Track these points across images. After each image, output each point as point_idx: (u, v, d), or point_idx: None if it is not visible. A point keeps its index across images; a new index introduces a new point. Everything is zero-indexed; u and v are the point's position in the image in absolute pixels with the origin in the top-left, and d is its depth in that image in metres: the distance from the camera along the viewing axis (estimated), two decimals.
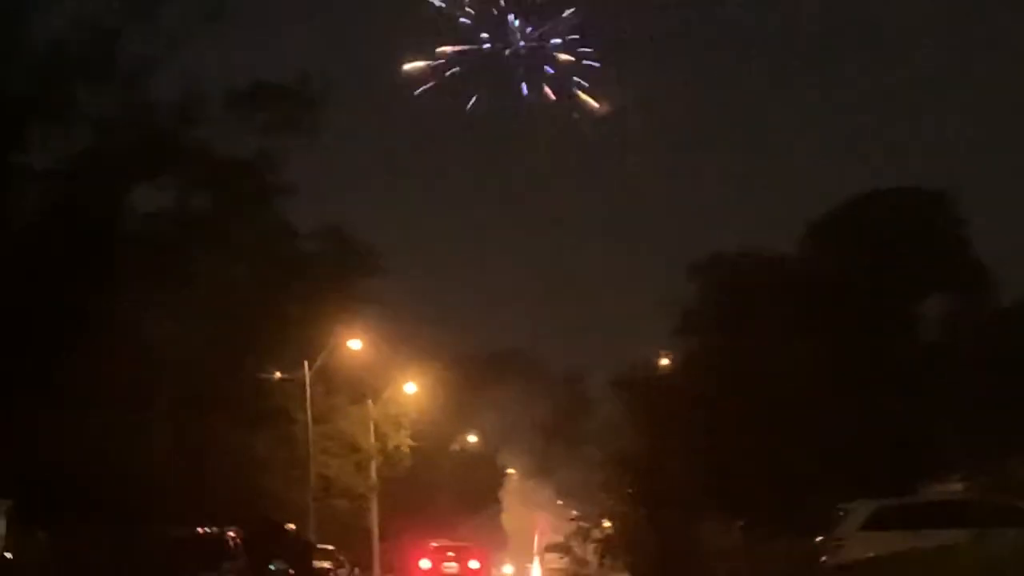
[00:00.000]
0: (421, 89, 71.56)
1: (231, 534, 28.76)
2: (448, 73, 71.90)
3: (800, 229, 36.25)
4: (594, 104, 72.44)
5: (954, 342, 34.35)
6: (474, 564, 45.58)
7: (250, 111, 32.37)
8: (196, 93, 31.27)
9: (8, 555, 31.42)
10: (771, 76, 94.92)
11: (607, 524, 49.32)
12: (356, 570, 46.38)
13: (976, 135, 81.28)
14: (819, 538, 25.58)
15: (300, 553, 31.49)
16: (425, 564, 44.33)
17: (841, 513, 24.61)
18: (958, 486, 28.07)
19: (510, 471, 79.57)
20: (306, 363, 43.39)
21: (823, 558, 24.73)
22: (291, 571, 29.84)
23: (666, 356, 38.69)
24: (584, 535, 57.54)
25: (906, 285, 34.69)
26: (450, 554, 45.04)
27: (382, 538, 54.20)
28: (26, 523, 32.06)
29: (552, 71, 72.61)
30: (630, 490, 34.74)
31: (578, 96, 72.44)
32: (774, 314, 33.81)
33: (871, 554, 21.69)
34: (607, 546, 45.83)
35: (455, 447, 67.20)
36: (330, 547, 38.05)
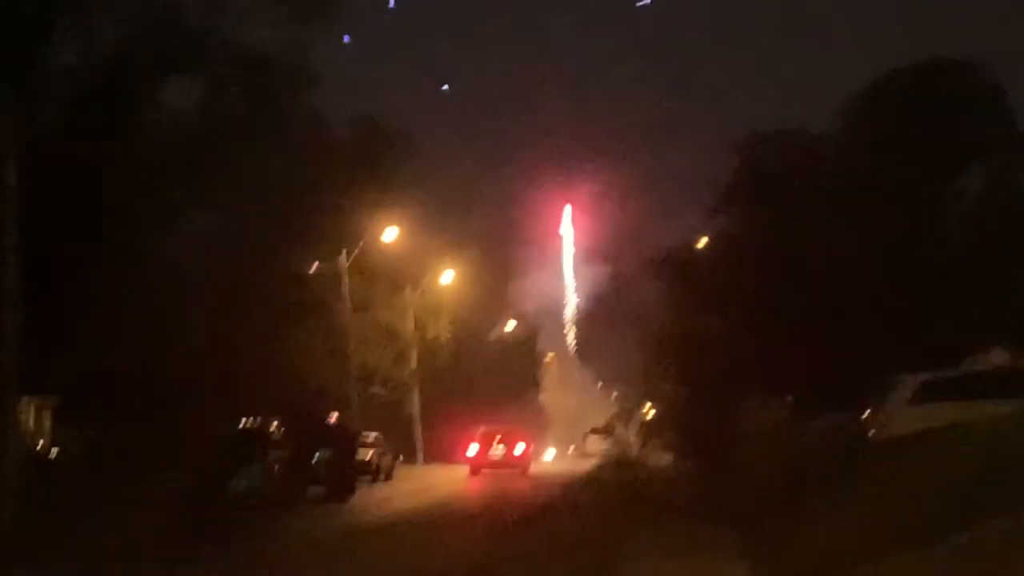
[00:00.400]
0: None
1: (273, 426, 28.85)
2: None
3: (836, 106, 35.66)
4: None
5: (995, 212, 33.83)
6: (519, 448, 45.40)
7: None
8: None
9: (53, 451, 31.95)
10: None
11: (649, 406, 49.28)
12: (400, 457, 46.67)
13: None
14: (866, 412, 25.42)
15: (344, 442, 31.54)
16: (472, 449, 44.22)
17: (889, 387, 24.48)
18: (1004, 357, 27.66)
19: (550, 356, 79.69)
20: (343, 253, 43.23)
21: (870, 431, 24.60)
22: (335, 460, 29.91)
23: (704, 235, 38.26)
24: (626, 417, 57.56)
25: (946, 157, 34.10)
26: (497, 438, 44.63)
27: (424, 426, 54.49)
28: (71, 421, 32.54)
29: None
30: (671, 371, 34.46)
31: None
32: (813, 190, 33.30)
33: (920, 427, 21.33)
34: (650, 428, 45.80)
35: (494, 334, 67.23)
36: (372, 434, 38.11)
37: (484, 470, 43.39)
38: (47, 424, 32.70)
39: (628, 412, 54.43)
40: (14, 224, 25.12)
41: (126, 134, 29.60)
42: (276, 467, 27.45)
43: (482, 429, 45.51)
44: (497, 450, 44.08)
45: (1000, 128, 35.02)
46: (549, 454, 72.80)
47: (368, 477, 35.29)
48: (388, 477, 38.26)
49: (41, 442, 31.93)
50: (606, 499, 27.18)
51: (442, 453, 54.89)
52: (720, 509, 22.21)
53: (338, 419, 34.70)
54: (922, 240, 32.17)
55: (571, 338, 74.99)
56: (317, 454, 29.47)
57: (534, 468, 46.23)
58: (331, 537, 22.38)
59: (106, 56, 30.22)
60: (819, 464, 22.86)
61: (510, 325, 69.77)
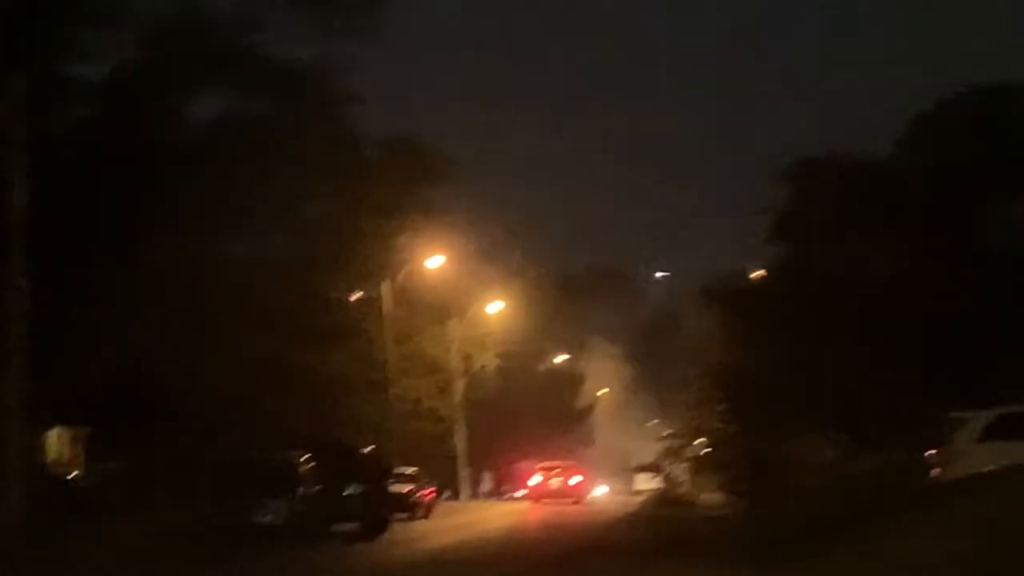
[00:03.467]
0: None
1: (303, 457, 27.62)
2: None
3: (883, 133, 34.29)
4: None
5: None
6: (576, 479, 48.69)
7: (311, 14, 30.72)
8: None
9: (82, 480, 31.04)
10: None
11: (698, 442, 47.95)
12: (445, 493, 45.40)
13: None
14: (931, 451, 23.85)
15: (378, 476, 30.20)
16: (534, 479, 48.65)
17: (954, 424, 22.93)
18: None
19: (601, 391, 78.18)
20: (384, 280, 42.07)
21: (935, 471, 23.03)
22: (367, 495, 28.56)
23: (758, 266, 36.83)
24: (675, 454, 56.25)
25: (999, 185, 32.70)
26: (556, 470, 48.96)
27: (469, 461, 53.17)
28: (102, 451, 31.61)
29: None
30: (722, 406, 33.11)
31: None
32: (869, 220, 31.94)
33: (990, 466, 19.80)
34: (699, 465, 44.60)
35: (543, 367, 65.85)
36: (411, 469, 36.76)
37: (540, 502, 45.61)
38: (80, 454, 31.92)
39: (677, 449, 53.05)
40: (22, 245, 24.42)
41: (156, 148, 28.66)
42: (303, 501, 26.12)
43: (542, 463, 49.08)
44: (555, 482, 47.82)
45: None
46: (600, 490, 71.19)
47: (405, 514, 33.97)
48: (427, 514, 36.88)
49: (75, 472, 31.15)
50: (653, 537, 25.63)
51: (487, 488, 53.63)
52: (772, 548, 20.78)
53: (374, 452, 33.39)
54: (979, 270, 30.71)
55: (623, 372, 73.39)
56: (349, 488, 28.13)
57: (584, 505, 46.32)
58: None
59: (136, 66, 29.44)
60: (878, 502, 21.35)
61: (560, 357, 68.35)
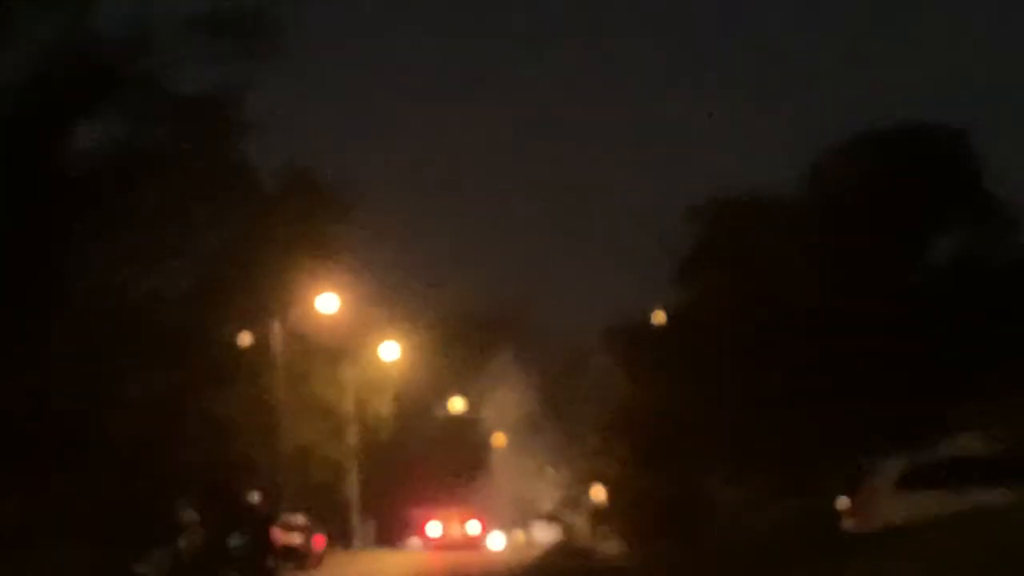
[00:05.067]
0: None
1: (185, 506, 26.35)
2: None
3: (799, 168, 34.01)
4: None
5: (967, 283, 32.20)
6: (474, 526, 47.37)
7: (206, 39, 29.55)
8: (145, 18, 28.59)
9: None
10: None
11: (600, 489, 47.18)
12: (331, 543, 43.91)
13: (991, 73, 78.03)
14: (841, 498, 23.23)
15: (262, 524, 28.86)
16: (432, 527, 47.24)
17: (868, 470, 22.37)
18: (976, 442, 25.75)
19: (498, 437, 77.11)
20: (277, 319, 40.69)
21: (848, 521, 22.38)
22: (252, 544, 27.23)
23: (664, 304, 36.23)
24: (575, 503, 55.45)
25: (917, 224, 32.57)
26: (453, 517, 47.73)
27: (363, 508, 51.73)
28: None
29: None
30: (623, 450, 32.37)
31: None
32: (779, 256, 31.54)
33: (903, 517, 19.20)
34: (600, 514, 43.81)
35: (440, 412, 64.67)
36: (302, 517, 35.34)
37: (437, 551, 44.04)
38: None
39: (577, 496, 52.29)
40: None
41: (40, 176, 27.22)
42: (186, 551, 24.82)
43: (439, 510, 47.64)
44: (453, 529, 46.55)
45: (971, 195, 33.55)
46: (498, 540, 69.99)
47: (294, 564, 32.57)
48: (318, 564, 35.44)
49: None
50: None
51: (381, 537, 52.19)
52: None
53: (262, 499, 31.99)
54: (890, 309, 30.39)
55: (521, 418, 72.53)
56: (234, 537, 26.81)
57: (480, 556, 44.71)
58: None
59: (17, 89, 28.03)
60: (788, 554, 20.56)
61: (457, 403, 67.21)
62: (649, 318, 36.03)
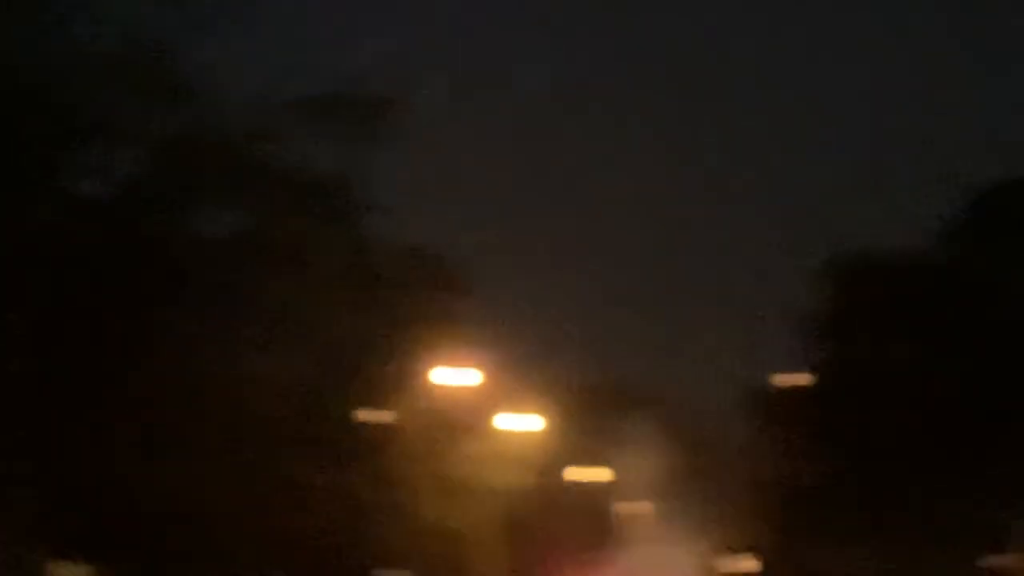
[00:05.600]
0: None
1: None
2: None
3: (927, 223, 32.77)
4: None
5: None
6: None
7: (322, 121, 29.65)
8: (262, 103, 28.80)
9: None
10: None
11: (739, 560, 45.89)
12: None
13: None
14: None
15: None
16: None
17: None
18: None
19: (632, 506, 75.97)
20: (400, 396, 40.38)
21: None
22: None
23: (805, 367, 35.07)
24: (711, 572, 54.14)
25: None
26: None
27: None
28: None
29: None
30: (781, 519, 31.27)
31: None
32: (921, 322, 30.32)
33: None
34: None
35: (571, 483, 63.79)
36: None
37: None
38: None
39: (713, 568, 51.00)
40: None
41: (156, 267, 27.36)
42: None
43: None
44: None
45: None
46: None
47: None
48: None
49: None
50: None
51: None
52: None
53: None
54: None
55: (654, 489, 71.42)
56: None
57: None
58: None
59: (143, 181, 28.35)
60: None
61: (588, 473, 66.29)
62: (781, 381, 35.03)
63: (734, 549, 45.85)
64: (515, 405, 50.56)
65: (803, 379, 35.28)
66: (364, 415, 37.77)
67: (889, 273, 32.02)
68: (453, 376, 43.70)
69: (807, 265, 33.80)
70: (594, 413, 60.15)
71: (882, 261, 32.62)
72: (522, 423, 51.24)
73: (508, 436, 50.71)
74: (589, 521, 63.00)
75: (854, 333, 31.35)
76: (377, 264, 34.53)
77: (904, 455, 27.62)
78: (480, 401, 47.00)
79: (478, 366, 44.97)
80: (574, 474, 64.20)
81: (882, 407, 28.00)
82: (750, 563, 44.25)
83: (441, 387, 43.64)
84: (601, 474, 67.01)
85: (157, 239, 27.78)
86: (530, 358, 52.17)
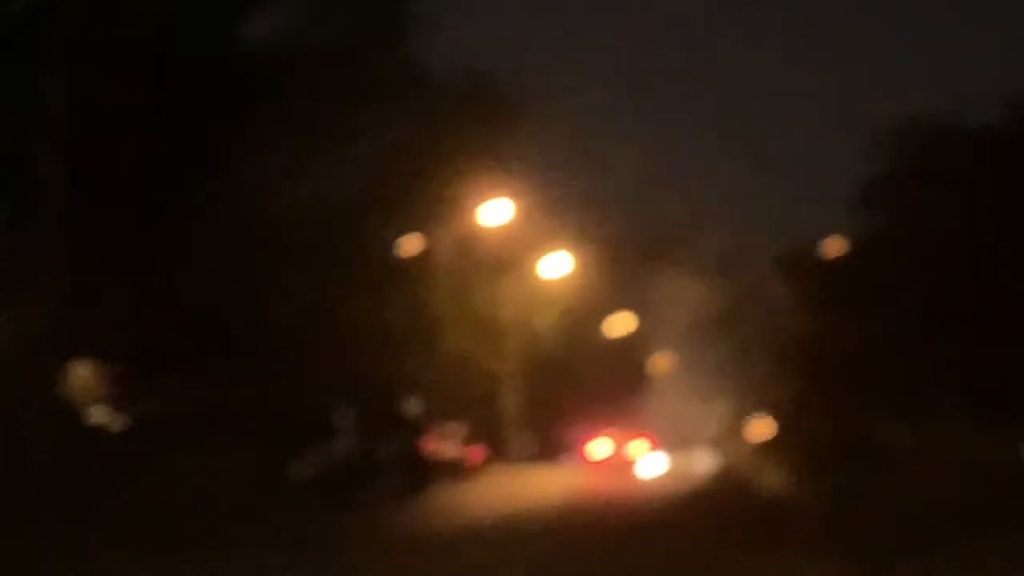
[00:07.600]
0: None
1: (343, 412, 25.91)
2: None
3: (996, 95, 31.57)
4: None
5: None
6: (635, 448, 47.78)
7: None
8: None
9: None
10: None
11: (767, 418, 45.79)
12: (488, 456, 43.50)
13: None
14: None
15: (417, 433, 28.35)
16: (597, 446, 47.14)
17: None
18: None
19: (663, 358, 75.91)
20: (439, 228, 39.84)
21: None
22: (406, 452, 26.74)
23: (845, 232, 34.36)
24: (738, 431, 54.20)
25: None
26: (615, 438, 47.88)
27: (523, 423, 51.21)
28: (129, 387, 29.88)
29: None
30: (800, 383, 30.93)
31: None
32: (977, 188, 29.45)
33: None
34: (769, 443, 42.54)
35: (604, 329, 63.62)
36: (458, 429, 34.79)
37: (598, 469, 44.49)
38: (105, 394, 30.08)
39: (742, 424, 50.97)
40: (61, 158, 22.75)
41: (206, 66, 26.79)
42: (338, 454, 24.39)
43: (599, 428, 47.30)
44: (614, 449, 46.57)
45: None
46: (659, 464, 69.11)
47: (446, 474, 32.08)
48: (472, 474, 34.93)
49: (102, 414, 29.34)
50: (719, 522, 23.35)
51: (540, 453, 51.58)
52: (854, 542, 18.50)
53: (418, 408, 31.48)
54: None
55: (688, 339, 71.24)
56: (386, 446, 26.33)
57: (641, 479, 45.49)
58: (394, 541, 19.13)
59: None
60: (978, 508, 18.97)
61: (622, 321, 66.00)
62: (824, 246, 34.35)
63: (758, 410, 45.71)
64: (552, 246, 50.08)
65: (847, 245, 34.63)
66: (405, 243, 37.32)
67: (945, 143, 31.07)
68: (494, 211, 43.15)
69: (864, 131, 32.80)
70: (630, 259, 59.65)
71: (939, 131, 31.67)
72: (558, 265, 50.85)
73: (544, 278, 50.38)
74: (620, 370, 63.00)
75: (905, 203, 30.51)
76: (426, 85, 33.66)
77: (946, 331, 27.02)
78: (519, 240, 46.52)
79: (518, 203, 44.36)
80: (608, 322, 64.05)
81: (927, 280, 27.33)
82: (769, 426, 44.19)
83: (482, 221, 43.13)
84: (633, 322, 66.86)
85: (211, 40, 27.15)
86: (571, 199, 51.47)
